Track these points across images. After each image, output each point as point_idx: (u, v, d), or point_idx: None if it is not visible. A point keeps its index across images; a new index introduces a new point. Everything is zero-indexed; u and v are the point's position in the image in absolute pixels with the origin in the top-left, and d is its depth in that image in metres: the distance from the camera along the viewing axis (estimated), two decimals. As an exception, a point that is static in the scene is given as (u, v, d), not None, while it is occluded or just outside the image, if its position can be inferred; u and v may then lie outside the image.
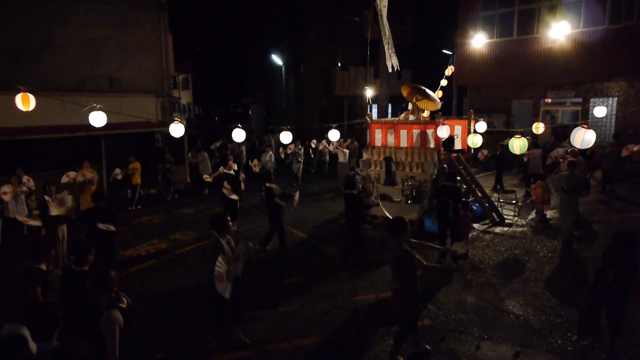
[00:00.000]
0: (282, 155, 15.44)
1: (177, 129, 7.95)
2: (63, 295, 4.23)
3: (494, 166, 13.70)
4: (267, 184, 8.48)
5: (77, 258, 4.18)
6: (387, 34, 11.15)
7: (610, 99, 16.21)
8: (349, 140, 16.46)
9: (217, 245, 4.87)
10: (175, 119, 8.49)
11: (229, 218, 5.22)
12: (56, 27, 12.13)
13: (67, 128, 11.86)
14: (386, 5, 10.82)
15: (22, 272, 4.19)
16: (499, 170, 12.95)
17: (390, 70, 11.73)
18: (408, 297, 4.71)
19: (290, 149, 15.06)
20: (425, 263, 4.75)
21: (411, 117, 11.36)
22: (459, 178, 9.30)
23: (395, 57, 11.45)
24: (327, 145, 15.72)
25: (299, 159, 15.39)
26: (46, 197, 7.43)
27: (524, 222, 10.07)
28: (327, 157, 16.91)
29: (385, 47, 11.33)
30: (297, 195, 8.59)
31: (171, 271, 7.74)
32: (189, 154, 15.00)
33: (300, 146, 15.43)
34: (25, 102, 6.77)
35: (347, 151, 14.79)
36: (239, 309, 5.21)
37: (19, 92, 6.70)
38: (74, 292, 3.94)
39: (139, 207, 12.27)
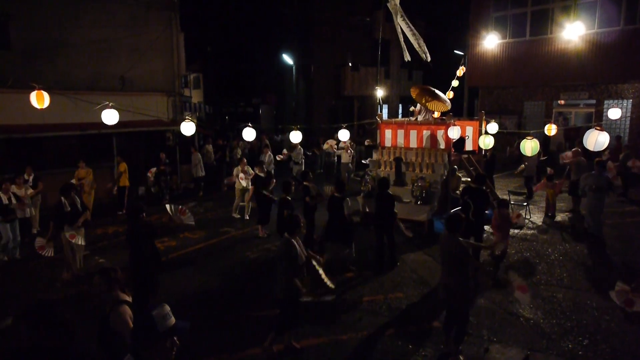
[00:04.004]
0: (279, 158, 14.67)
1: (188, 128, 8.01)
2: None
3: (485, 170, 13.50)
4: (304, 183, 8.47)
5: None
6: (406, 28, 10.97)
7: (625, 100, 15.97)
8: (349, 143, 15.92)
9: (290, 246, 4.82)
10: (187, 117, 8.55)
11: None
12: (70, 26, 12.28)
13: (79, 126, 11.99)
14: (397, 3, 10.75)
15: None
16: (489, 174, 12.81)
17: (425, 59, 11.41)
18: (462, 293, 4.81)
19: (284, 153, 14.41)
20: (477, 261, 4.84)
21: (420, 118, 11.29)
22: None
23: (424, 46, 11.21)
24: (335, 146, 15.35)
25: (298, 161, 14.72)
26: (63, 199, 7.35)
27: (534, 225, 9.96)
28: (335, 157, 16.60)
29: (412, 40, 11.08)
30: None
31: (180, 269, 7.78)
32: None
33: (299, 147, 14.67)
34: (39, 99, 6.87)
35: (352, 152, 14.62)
36: (297, 315, 5.13)
37: (33, 90, 6.80)
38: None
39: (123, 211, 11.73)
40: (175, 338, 2.34)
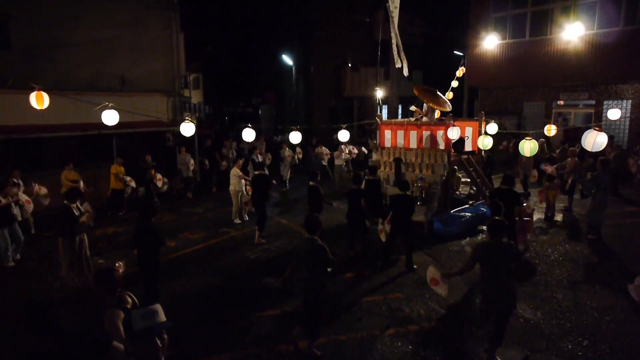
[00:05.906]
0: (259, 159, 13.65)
1: (187, 128, 8.01)
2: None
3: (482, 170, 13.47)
4: (311, 183, 8.55)
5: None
6: (396, 37, 11.04)
7: (625, 101, 15.98)
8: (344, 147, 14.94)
9: (316, 243, 4.86)
10: (186, 118, 8.55)
11: None
12: (69, 26, 12.26)
13: (79, 126, 11.98)
14: (397, 6, 10.74)
15: None
16: (488, 174, 12.80)
17: (405, 73, 11.60)
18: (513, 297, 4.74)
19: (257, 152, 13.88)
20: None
21: (425, 118, 11.29)
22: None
23: (405, 61, 11.33)
24: (328, 153, 15.11)
25: (286, 162, 14.51)
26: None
27: (533, 225, 9.95)
28: (326, 161, 15.67)
29: (395, 51, 11.21)
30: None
31: (179, 269, 7.78)
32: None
33: (287, 149, 14.44)
34: (39, 100, 6.88)
35: (346, 156, 14.45)
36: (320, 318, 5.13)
37: (33, 91, 6.81)
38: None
39: (123, 212, 11.76)
40: (165, 336, 2.32)
